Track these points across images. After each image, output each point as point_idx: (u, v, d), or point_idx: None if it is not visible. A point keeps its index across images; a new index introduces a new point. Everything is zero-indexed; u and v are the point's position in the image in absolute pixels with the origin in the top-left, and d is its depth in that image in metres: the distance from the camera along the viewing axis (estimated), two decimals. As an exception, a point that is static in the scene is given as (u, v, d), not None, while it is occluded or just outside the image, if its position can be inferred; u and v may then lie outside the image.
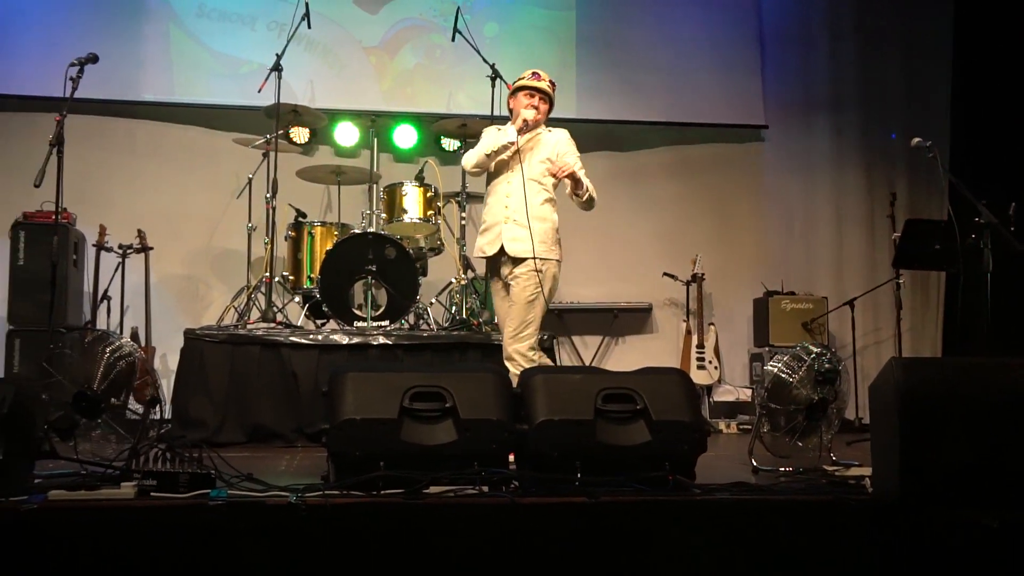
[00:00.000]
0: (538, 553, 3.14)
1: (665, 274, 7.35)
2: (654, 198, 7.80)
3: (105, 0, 7.08)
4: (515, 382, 4.11)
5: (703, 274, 7.24)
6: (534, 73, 4.83)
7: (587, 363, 7.40)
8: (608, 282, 7.61)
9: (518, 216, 4.63)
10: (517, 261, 4.62)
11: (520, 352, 4.55)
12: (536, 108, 4.73)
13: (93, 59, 4.38)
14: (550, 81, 4.82)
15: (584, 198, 4.73)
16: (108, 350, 3.61)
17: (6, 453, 3.07)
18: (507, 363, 4.56)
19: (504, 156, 4.70)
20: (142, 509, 3.00)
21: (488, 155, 4.70)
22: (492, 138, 4.74)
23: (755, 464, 4.05)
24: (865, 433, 4.83)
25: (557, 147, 4.78)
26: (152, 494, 3.09)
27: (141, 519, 2.99)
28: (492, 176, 4.81)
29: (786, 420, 4.07)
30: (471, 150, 4.82)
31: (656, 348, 7.64)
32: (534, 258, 4.57)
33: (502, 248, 4.66)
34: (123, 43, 6.96)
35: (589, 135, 7.79)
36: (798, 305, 7.21)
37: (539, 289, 4.58)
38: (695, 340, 7.10)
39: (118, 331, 6.23)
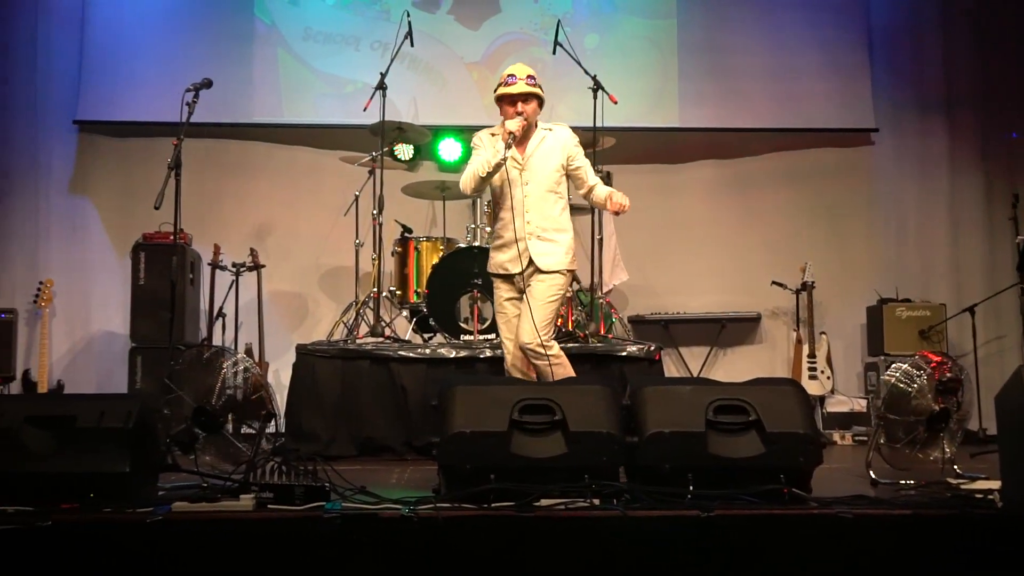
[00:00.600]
0: (649, 567, 3.10)
1: (774, 283, 7.21)
2: (761, 206, 7.66)
3: (218, 27, 7.33)
4: (542, 373, 4.49)
5: (813, 282, 7.06)
6: (509, 76, 4.66)
7: (694, 375, 7.30)
8: (714, 292, 7.51)
9: (542, 232, 4.62)
10: (542, 271, 4.61)
11: (534, 346, 4.50)
12: (521, 113, 4.59)
13: (207, 84, 4.52)
14: (528, 77, 4.64)
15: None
16: (225, 366, 3.71)
17: (133, 465, 3.18)
18: (534, 360, 4.54)
19: (502, 167, 4.56)
20: (260, 521, 3.07)
21: (484, 177, 4.61)
22: (485, 156, 4.61)
23: (874, 476, 3.92)
24: (990, 445, 4.64)
25: (566, 151, 4.71)
26: (269, 506, 3.16)
27: (259, 531, 3.06)
28: (500, 187, 4.71)
29: (905, 431, 3.94)
30: (466, 171, 4.71)
31: (765, 358, 7.50)
32: (561, 271, 4.62)
33: (529, 262, 4.62)
34: (235, 68, 7.18)
35: (693, 143, 7.75)
36: (914, 312, 6.98)
37: (561, 291, 4.63)
38: (806, 350, 6.94)
39: (233, 347, 6.40)
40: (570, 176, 4.79)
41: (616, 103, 5.90)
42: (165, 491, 3.53)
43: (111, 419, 3.24)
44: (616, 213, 4.69)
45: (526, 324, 4.54)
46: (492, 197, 4.79)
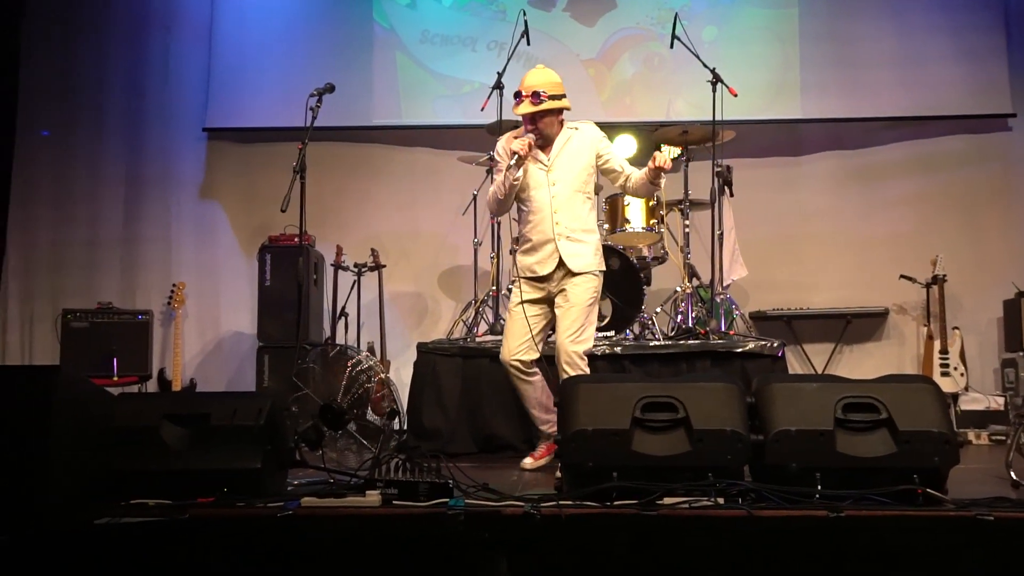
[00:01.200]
0: (776, 567, 3.04)
1: (902, 276, 6.96)
2: (887, 197, 7.41)
3: (337, 34, 7.50)
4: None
5: (945, 275, 6.79)
6: (515, 95, 4.60)
7: (818, 372, 7.11)
8: (839, 287, 7.30)
9: (571, 233, 4.56)
10: (573, 272, 4.54)
11: (579, 354, 4.45)
12: (532, 130, 4.54)
13: (330, 89, 4.62)
14: (533, 95, 4.52)
15: (658, 184, 4.61)
16: (350, 364, 3.79)
17: (264, 461, 3.28)
18: (566, 367, 4.45)
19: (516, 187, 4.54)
20: (386, 517, 3.12)
21: (503, 198, 4.59)
22: (501, 178, 4.58)
23: (1015, 478, 3.74)
24: None
25: (594, 148, 4.64)
26: (394, 502, 3.20)
27: (385, 526, 3.11)
28: (527, 190, 4.61)
29: (1049, 431, 3.75)
30: (490, 193, 4.72)
31: (892, 355, 7.26)
32: (593, 272, 4.56)
33: (558, 265, 4.55)
34: (354, 73, 7.34)
35: (815, 135, 7.55)
36: (1056, 306, 6.65)
37: (597, 294, 4.56)
38: (938, 345, 6.67)
39: (356, 346, 6.54)
40: (604, 172, 4.74)
41: (736, 96, 5.78)
42: (293, 487, 3.62)
43: (243, 417, 3.34)
44: (661, 170, 4.51)
45: (569, 329, 4.48)
46: (519, 199, 4.71)
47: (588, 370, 4.50)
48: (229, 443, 3.31)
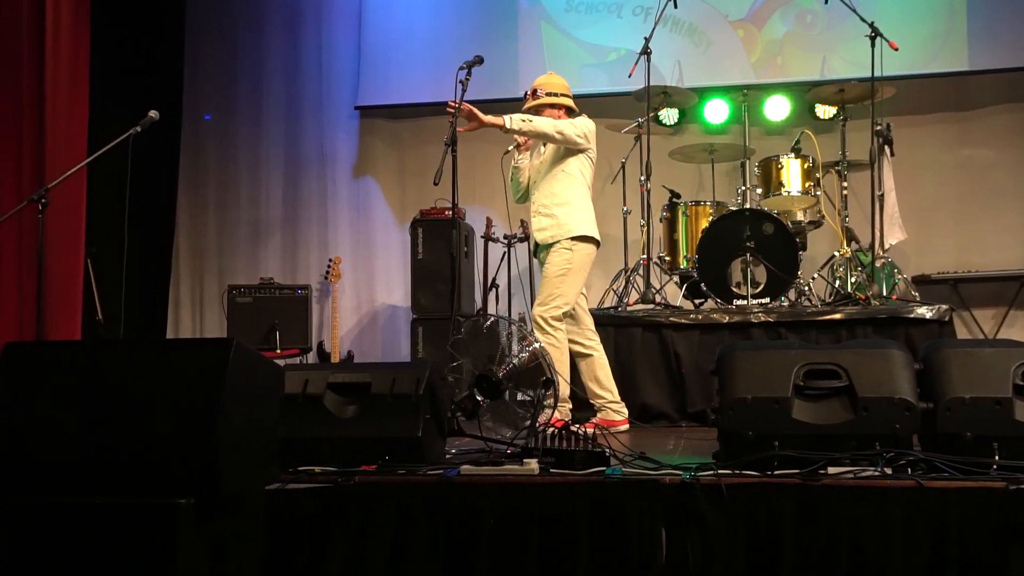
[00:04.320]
0: (946, 540, 2.90)
1: (1082, 235, 6.54)
2: (1067, 150, 6.96)
3: (483, 7, 7.55)
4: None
5: None
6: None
7: (988, 338, 6.76)
8: (1010, 248, 6.91)
9: (542, 208, 4.90)
10: (548, 246, 4.85)
11: (545, 319, 4.68)
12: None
13: (479, 61, 4.63)
14: (532, 92, 5.00)
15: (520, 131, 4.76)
16: (504, 334, 3.82)
17: (424, 430, 3.34)
18: (535, 331, 4.65)
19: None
20: (544, 485, 3.13)
21: (519, 193, 5.15)
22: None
23: None
24: None
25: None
26: (552, 471, 3.22)
27: (543, 494, 3.13)
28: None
29: None
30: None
31: (1071, 318, 6.85)
32: (561, 243, 4.79)
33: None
34: (500, 45, 7.37)
35: (984, 88, 7.13)
36: None
37: (570, 264, 4.76)
38: (1124, 309, 6.25)
39: (507, 316, 6.60)
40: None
41: (896, 50, 5.51)
42: (451, 455, 3.69)
43: (402, 386, 3.41)
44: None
45: (538, 297, 4.82)
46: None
47: (558, 335, 4.70)
48: (390, 412, 3.38)
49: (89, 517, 2.49)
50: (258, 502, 2.99)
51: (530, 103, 4.97)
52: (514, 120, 4.70)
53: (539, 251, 5.00)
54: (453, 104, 4.58)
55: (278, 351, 6.82)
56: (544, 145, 5.01)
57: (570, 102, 5.00)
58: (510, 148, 5.03)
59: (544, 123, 4.77)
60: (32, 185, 5.88)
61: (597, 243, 4.94)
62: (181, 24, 7.91)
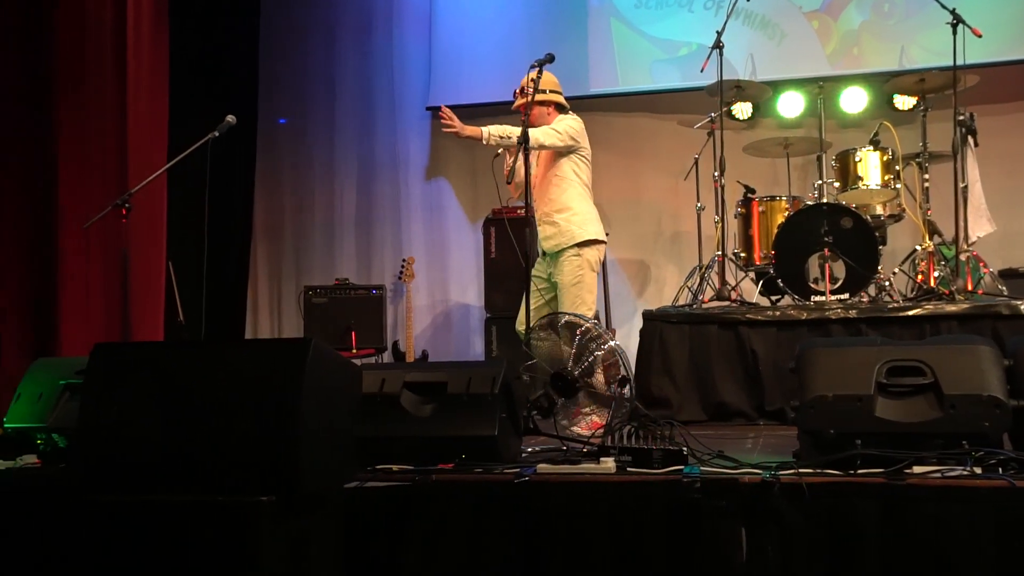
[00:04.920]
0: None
1: None
2: None
3: (553, 5, 7.55)
4: None
5: None
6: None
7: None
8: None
9: (544, 216, 4.94)
10: (556, 254, 4.90)
11: None
12: (523, 121, 4.78)
13: (550, 59, 4.63)
14: (519, 90, 4.94)
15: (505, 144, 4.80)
16: (579, 333, 3.80)
17: (499, 429, 3.35)
18: None
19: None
20: (621, 484, 3.11)
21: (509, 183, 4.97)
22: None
23: None
24: None
25: None
26: (629, 469, 3.20)
27: (620, 494, 3.11)
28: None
29: None
30: None
31: None
32: (570, 250, 4.85)
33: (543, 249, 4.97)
34: (570, 42, 7.35)
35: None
36: None
37: (582, 270, 4.83)
38: None
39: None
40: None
41: (980, 36, 5.36)
42: (527, 454, 3.69)
43: (478, 385, 3.42)
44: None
45: (562, 309, 4.77)
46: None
47: None
48: (466, 411, 3.39)
49: (174, 514, 2.55)
50: (337, 500, 3.02)
51: (519, 102, 4.98)
52: (491, 135, 4.79)
53: (546, 256, 5.08)
54: (442, 115, 4.84)
55: (354, 351, 6.89)
56: (538, 155, 5.01)
57: (559, 99, 5.05)
58: (499, 152, 5.03)
59: (519, 134, 4.77)
60: (115, 190, 6.04)
61: (603, 241, 5.00)
62: (256, 30, 8.05)
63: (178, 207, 6.58)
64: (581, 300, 4.84)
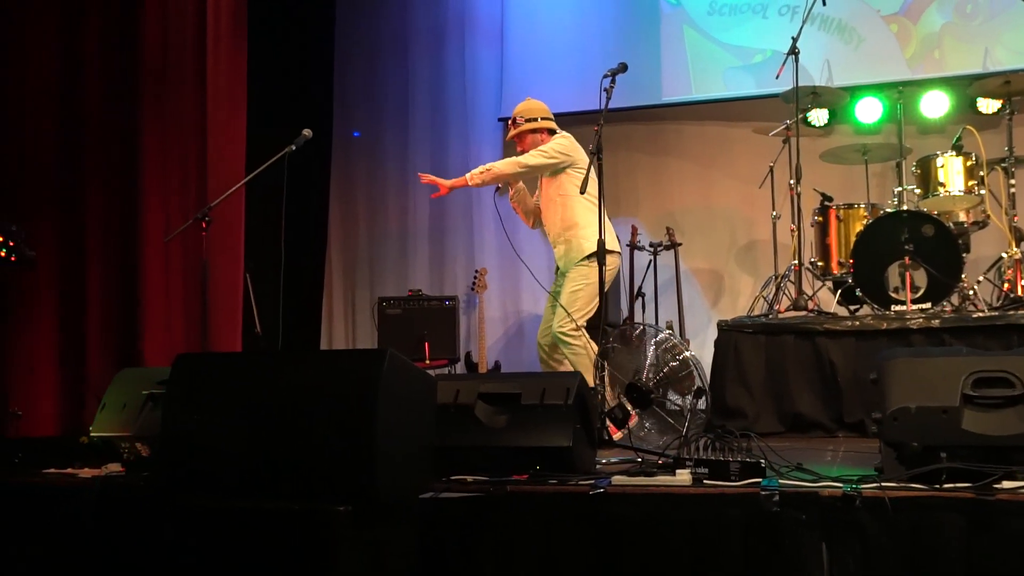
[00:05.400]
0: None
1: None
2: None
3: (625, 13, 7.52)
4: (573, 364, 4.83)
5: None
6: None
7: None
8: None
9: (556, 237, 5.15)
10: (568, 269, 5.09)
11: (563, 333, 4.90)
12: (519, 152, 5.22)
13: (623, 68, 4.60)
14: (512, 120, 5.22)
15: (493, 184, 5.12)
16: (654, 343, 3.77)
17: (574, 440, 3.33)
18: (559, 348, 4.99)
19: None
20: (697, 497, 3.07)
21: (529, 219, 5.40)
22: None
23: None
24: None
25: None
26: (705, 482, 3.15)
27: (696, 506, 3.07)
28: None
29: None
30: None
31: None
32: (579, 265, 5.01)
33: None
34: (642, 51, 7.32)
35: None
36: None
37: (585, 279, 4.92)
38: None
39: (655, 325, 6.53)
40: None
41: (1068, 37, 5.21)
42: (601, 465, 3.66)
43: (552, 396, 3.41)
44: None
45: (556, 318, 4.97)
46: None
47: (577, 344, 4.90)
48: (540, 422, 3.39)
49: (255, 522, 2.59)
50: (412, 510, 3.04)
51: (511, 133, 5.23)
52: (474, 176, 5.03)
53: (560, 273, 5.23)
54: (423, 181, 5.19)
55: (427, 362, 6.93)
56: (539, 179, 5.22)
57: (550, 124, 5.21)
58: (499, 186, 5.23)
59: (504, 165, 5.09)
60: (195, 202, 6.18)
61: (614, 251, 5.06)
62: (331, 43, 8.17)
63: (255, 219, 6.69)
64: (575, 308, 4.93)
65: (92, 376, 6.19)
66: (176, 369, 2.90)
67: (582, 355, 4.85)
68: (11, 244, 4.74)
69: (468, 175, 5.06)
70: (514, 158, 5.14)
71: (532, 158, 5.06)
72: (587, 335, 4.91)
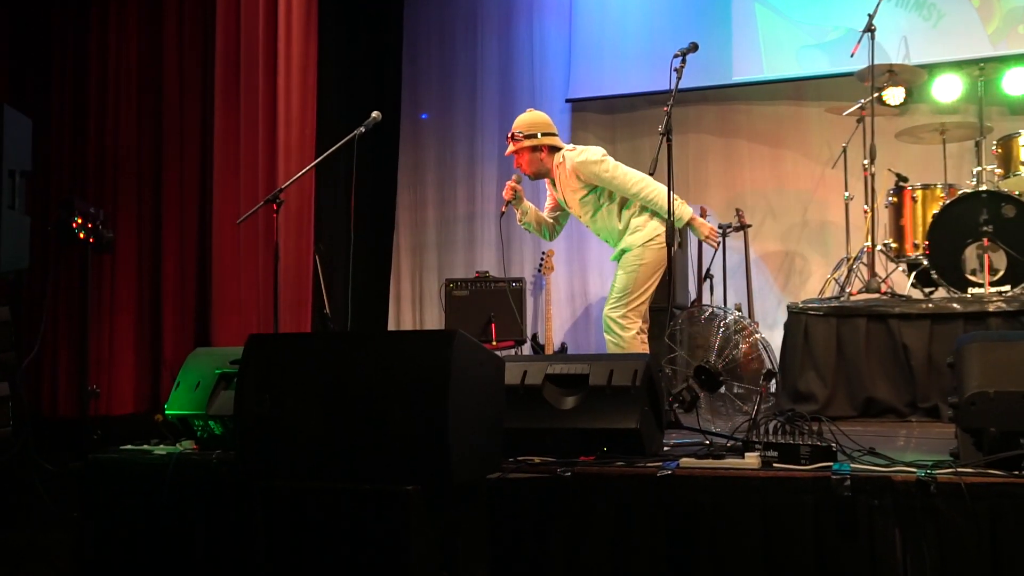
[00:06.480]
0: None
1: None
2: None
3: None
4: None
5: None
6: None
7: None
8: None
9: (621, 246, 4.82)
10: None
11: (612, 319, 4.73)
12: (517, 167, 4.98)
13: (694, 48, 4.54)
14: (510, 136, 4.91)
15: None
16: (723, 325, 3.74)
17: (642, 422, 3.32)
18: (606, 335, 4.79)
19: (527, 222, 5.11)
20: (767, 480, 3.05)
21: (545, 233, 5.19)
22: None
23: None
24: None
25: (575, 175, 4.81)
26: (775, 465, 3.13)
27: (766, 490, 3.04)
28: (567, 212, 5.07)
29: None
30: None
31: None
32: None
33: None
34: (713, 30, 7.21)
35: None
36: None
37: (641, 261, 4.70)
38: None
39: (724, 307, 6.47)
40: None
41: None
42: (669, 447, 3.65)
43: (620, 378, 3.40)
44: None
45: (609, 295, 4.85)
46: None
47: (622, 334, 4.70)
48: (607, 404, 3.39)
49: (329, 501, 2.63)
50: (482, 490, 3.06)
51: (509, 149, 4.95)
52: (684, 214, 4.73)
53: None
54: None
55: (494, 343, 6.96)
56: (566, 204, 5.01)
57: (552, 140, 4.91)
58: (504, 207, 5.06)
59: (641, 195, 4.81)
60: (265, 186, 6.28)
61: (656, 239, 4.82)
62: (400, 26, 8.21)
63: (324, 201, 6.77)
64: (632, 293, 4.75)
65: (168, 356, 6.35)
66: (248, 349, 2.95)
67: (620, 347, 4.71)
68: (90, 226, 4.86)
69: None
70: (622, 186, 4.81)
71: (634, 186, 4.78)
72: (643, 334, 4.75)
